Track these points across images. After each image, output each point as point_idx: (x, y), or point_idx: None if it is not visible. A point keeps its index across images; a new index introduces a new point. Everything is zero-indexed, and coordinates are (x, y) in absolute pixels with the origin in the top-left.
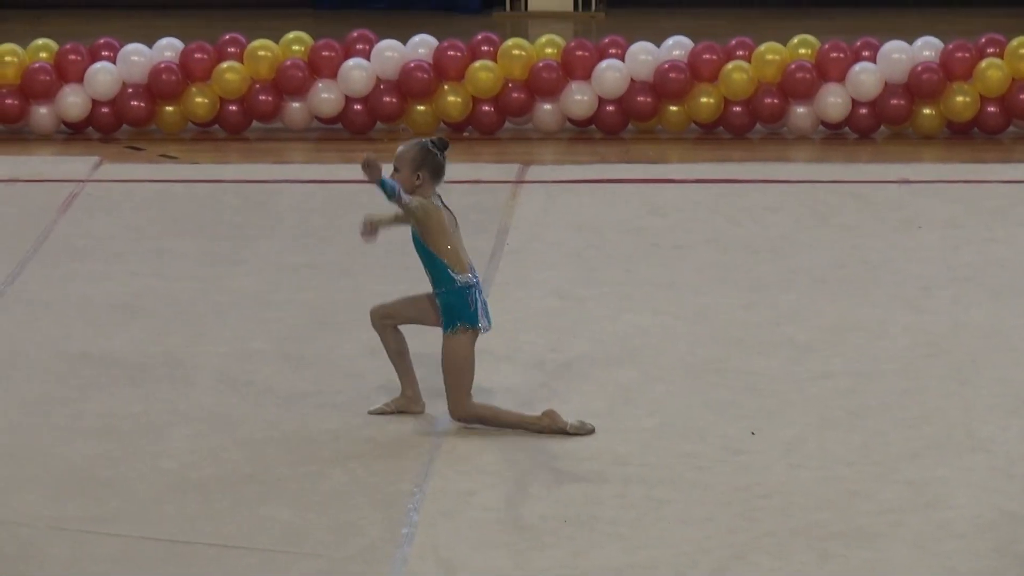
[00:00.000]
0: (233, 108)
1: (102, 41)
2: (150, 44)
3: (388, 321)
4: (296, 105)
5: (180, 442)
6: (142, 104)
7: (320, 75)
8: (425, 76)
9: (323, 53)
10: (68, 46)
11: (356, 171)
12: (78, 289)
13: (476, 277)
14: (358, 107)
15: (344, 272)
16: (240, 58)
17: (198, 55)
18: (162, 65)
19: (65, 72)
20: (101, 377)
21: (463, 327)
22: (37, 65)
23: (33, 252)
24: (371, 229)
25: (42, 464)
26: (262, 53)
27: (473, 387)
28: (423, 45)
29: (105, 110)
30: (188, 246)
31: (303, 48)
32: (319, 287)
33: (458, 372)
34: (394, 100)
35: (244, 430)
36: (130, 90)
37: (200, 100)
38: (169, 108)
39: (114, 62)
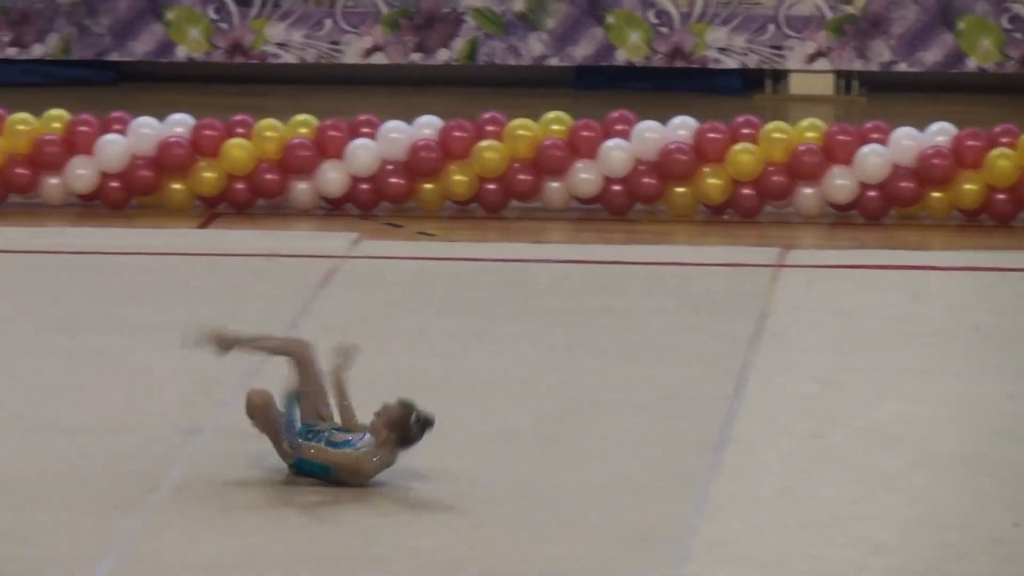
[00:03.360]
0: (492, 187)
1: (363, 118)
2: (409, 121)
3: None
4: (555, 185)
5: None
6: (402, 181)
7: (579, 155)
8: (685, 158)
9: (582, 133)
10: (328, 122)
11: (615, 251)
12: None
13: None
14: (617, 188)
15: (599, 353)
16: (499, 137)
17: (457, 133)
18: (421, 143)
19: (326, 148)
20: None
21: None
22: (297, 141)
23: (291, 327)
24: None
25: (299, 541)
26: (521, 132)
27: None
28: (684, 127)
29: (365, 186)
30: (444, 324)
31: (563, 128)
32: (574, 368)
33: None
34: (654, 181)
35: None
36: (390, 167)
37: (459, 178)
38: (428, 185)
39: (374, 138)
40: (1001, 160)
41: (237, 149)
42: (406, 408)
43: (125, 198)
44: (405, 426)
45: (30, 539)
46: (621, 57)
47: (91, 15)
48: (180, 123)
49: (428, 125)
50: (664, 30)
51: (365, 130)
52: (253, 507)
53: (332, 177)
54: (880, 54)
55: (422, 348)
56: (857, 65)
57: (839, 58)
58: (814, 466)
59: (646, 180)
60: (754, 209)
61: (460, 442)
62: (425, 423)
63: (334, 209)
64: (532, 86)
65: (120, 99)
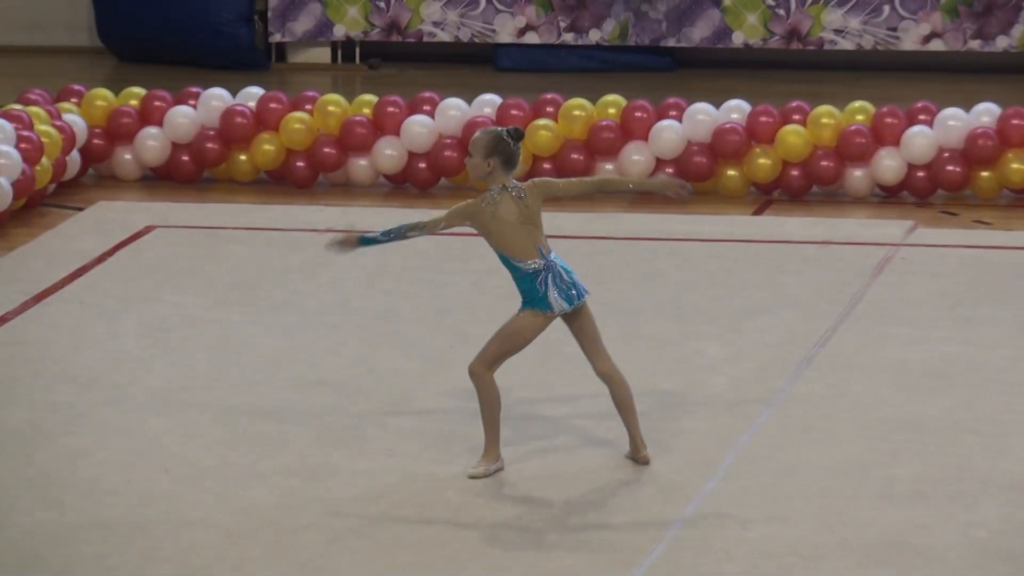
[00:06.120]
0: None
1: (920, 105)
2: (967, 109)
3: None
4: None
5: (992, 511)
6: (958, 169)
7: None
8: None
9: None
10: (885, 109)
11: None
12: (891, 353)
13: (547, 260)
14: None
15: None
16: None
17: (1015, 121)
18: (979, 130)
19: (882, 135)
20: (912, 442)
21: (533, 310)
22: (853, 128)
23: (846, 314)
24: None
25: (853, 529)
26: None
27: None
28: None
29: (921, 174)
30: (1002, 314)
31: None
32: None
33: (508, 341)
34: None
35: None
36: (946, 154)
37: (1016, 167)
38: (985, 173)
39: (931, 126)
40: None
41: (793, 136)
42: (493, 131)
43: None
44: (502, 143)
45: (586, 525)
46: None
47: (648, 1)
48: (736, 109)
49: (986, 113)
50: None
51: (922, 117)
52: (805, 495)
53: (888, 164)
54: None
55: (981, 338)
56: None
57: None
58: None
59: None
60: None
61: (1006, 432)
62: (516, 132)
63: (889, 196)
64: None
65: (677, 85)
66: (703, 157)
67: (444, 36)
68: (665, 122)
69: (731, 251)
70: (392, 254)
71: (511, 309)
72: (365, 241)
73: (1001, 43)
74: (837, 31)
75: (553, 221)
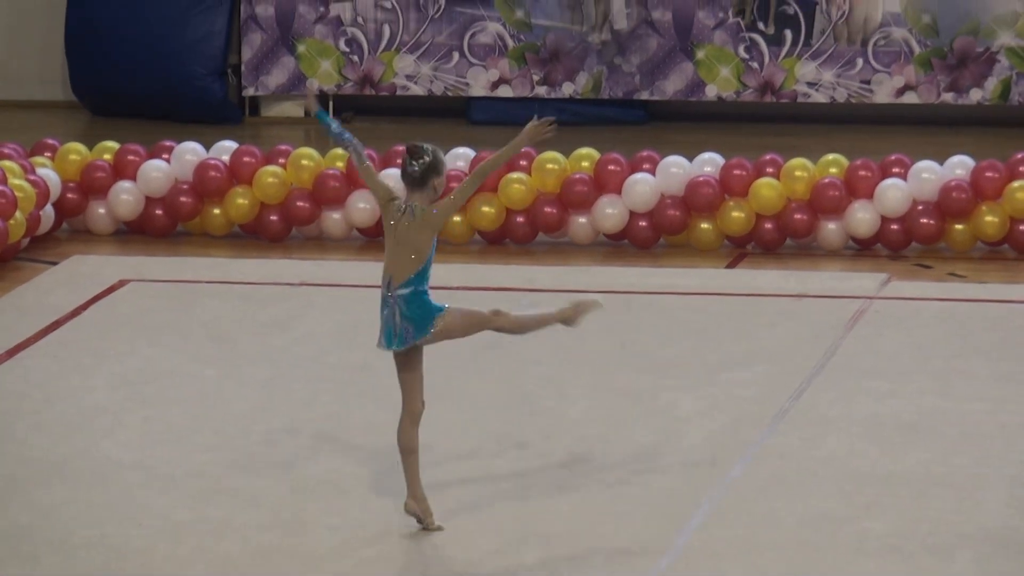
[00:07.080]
0: None
1: (893, 158)
2: (941, 162)
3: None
4: None
5: (967, 565)
6: (932, 221)
7: None
8: None
9: None
10: (858, 162)
11: None
12: (865, 406)
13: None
14: None
15: None
16: None
17: (989, 173)
18: (953, 183)
19: (856, 188)
20: (887, 496)
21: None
22: (826, 181)
23: (820, 368)
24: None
25: None
26: None
27: None
28: None
29: (895, 227)
30: (977, 367)
31: None
32: None
33: None
34: None
35: None
36: (920, 207)
37: (990, 219)
38: (959, 226)
39: (905, 179)
40: None
41: (766, 188)
42: (412, 156)
43: (654, 237)
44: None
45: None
46: None
47: (621, 54)
48: (709, 162)
49: (960, 165)
50: None
51: (896, 170)
52: (779, 548)
53: (861, 217)
54: None
55: (956, 391)
56: None
57: None
58: None
59: None
60: None
61: (991, 485)
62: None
63: (863, 249)
64: None
65: (650, 138)
66: (676, 210)
67: (417, 89)
68: (638, 175)
69: (705, 304)
70: (369, 310)
71: (489, 363)
72: (321, 116)
73: (975, 96)
74: (811, 84)
75: (525, 275)
